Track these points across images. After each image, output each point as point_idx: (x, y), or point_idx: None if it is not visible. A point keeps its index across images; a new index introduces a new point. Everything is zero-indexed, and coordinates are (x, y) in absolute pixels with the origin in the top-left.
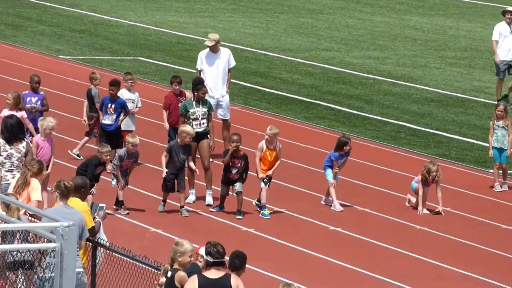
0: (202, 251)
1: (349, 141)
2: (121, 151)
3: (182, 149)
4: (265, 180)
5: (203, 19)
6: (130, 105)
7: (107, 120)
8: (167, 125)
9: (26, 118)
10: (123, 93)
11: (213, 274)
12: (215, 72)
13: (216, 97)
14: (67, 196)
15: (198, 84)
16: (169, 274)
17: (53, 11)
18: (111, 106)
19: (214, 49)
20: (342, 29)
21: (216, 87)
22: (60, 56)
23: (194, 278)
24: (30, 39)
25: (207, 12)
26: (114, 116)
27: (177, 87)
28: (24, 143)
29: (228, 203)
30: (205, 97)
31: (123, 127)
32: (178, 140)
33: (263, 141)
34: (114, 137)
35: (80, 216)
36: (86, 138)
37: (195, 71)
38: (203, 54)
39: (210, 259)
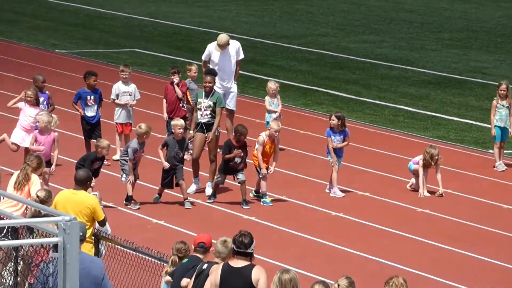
0: (200, 238)
1: (333, 115)
2: (132, 144)
3: (178, 143)
4: (265, 173)
5: (198, 9)
6: (127, 98)
7: (89, 112)
8: (165, 115)
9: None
10: (119, 86)
11: (236, 263)
12: (223, 65)
13: (224, 89)
14: None
15: (204, 74)
16: (205, 266)
17: (47, 6)
18: (90, 97)
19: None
20: (337, 14)
21: (224, 79)
22: (56, 51)
23: (220, 266)
24: (26, 34)
25: (201, 1)
26: (95, 107)
27: (173, 77)
28: None
29: (228, 193)
30: (214, 89)
31: (121, 120)
32: (173, 135)
33: (264, 134)
34: (96, 128)
35: None
36: None
37: (192, 61)
38: (211, 46)
39: (234, 247)
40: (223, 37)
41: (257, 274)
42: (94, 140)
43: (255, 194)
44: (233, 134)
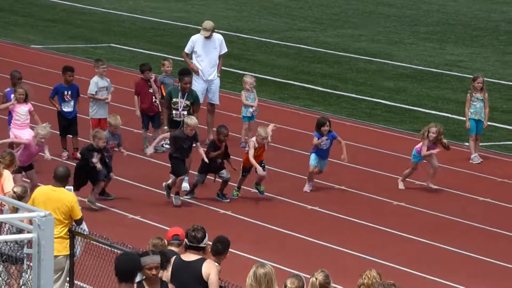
0: (174, 231)
1: (327, 121)
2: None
3: (188, 138)
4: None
5: (176, 4)
6: (104, 93)
7: (66, 107)
8: (138, 112)
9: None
10: (98, 82)
11: (188, 257)
12: (206, 56)
13: (206, 82)
14: None
15: (181, 74)
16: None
17: (24, 1)
18: (67, 93)
19: (209, 37)
20: (315, 8)
21: (207, 71)
22: (33, 46)
23: (172, 259)
24: (3, 29)
25: None
26: (72, 103)
27: (147, 74)
28: None
29: (205, 188)
30: (192, 86)
31: (99, 115)
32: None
33: (254, 139)
34: (72, 123)
35: None
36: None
37: (169, 56)
38: (195, 37)
39: (187, 241)
40: (209, 21)
41: (208, 268)
42: (70, 136)
43: (256, 186)
44: (216, 134)
